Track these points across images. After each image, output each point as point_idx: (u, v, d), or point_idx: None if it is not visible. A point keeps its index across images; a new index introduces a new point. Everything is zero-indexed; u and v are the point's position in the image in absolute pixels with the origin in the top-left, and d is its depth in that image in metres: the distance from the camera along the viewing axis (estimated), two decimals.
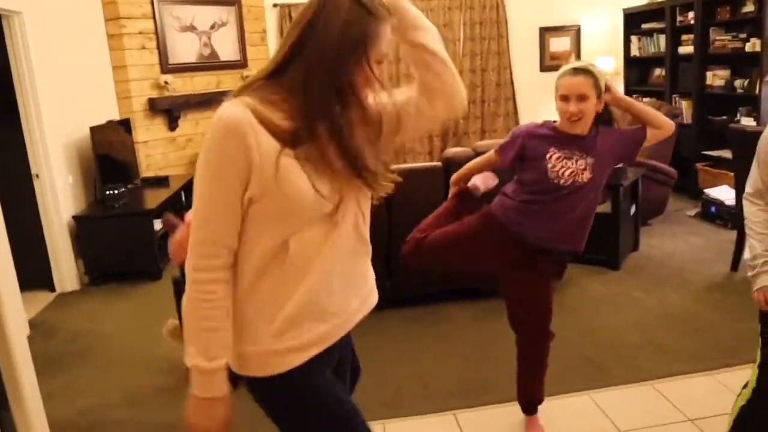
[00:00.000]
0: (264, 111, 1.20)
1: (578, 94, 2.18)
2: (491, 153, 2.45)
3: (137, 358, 3.47)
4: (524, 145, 2.30)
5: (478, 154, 3.61)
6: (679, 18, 6.15)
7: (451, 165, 3.61)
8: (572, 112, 2.18)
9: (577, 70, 2.21)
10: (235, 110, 1.18)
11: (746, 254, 2.06)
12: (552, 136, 2.28)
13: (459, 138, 7.48)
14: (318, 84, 1.20)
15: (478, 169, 2.55)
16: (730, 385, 2.83)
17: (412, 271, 3.75)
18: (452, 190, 2.62)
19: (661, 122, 2.27)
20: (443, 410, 2.81)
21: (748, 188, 1.99)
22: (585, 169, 2.22)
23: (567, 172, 2.22)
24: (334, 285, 1.34)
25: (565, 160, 2.23)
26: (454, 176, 2.61)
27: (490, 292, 3.85)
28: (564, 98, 2.22)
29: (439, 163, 3.66)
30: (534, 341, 2.52)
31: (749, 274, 1.96)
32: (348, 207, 1.33)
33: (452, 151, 3.66)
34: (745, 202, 2.00)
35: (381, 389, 2.99)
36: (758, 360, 1.95)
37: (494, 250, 2.40)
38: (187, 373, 1.27)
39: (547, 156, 2.24)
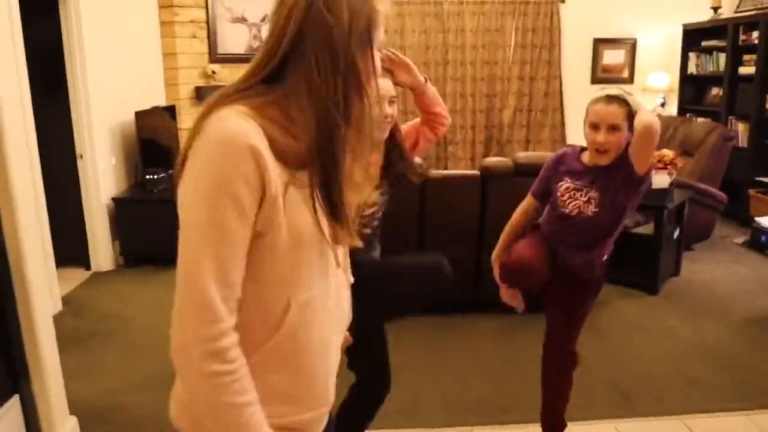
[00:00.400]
0: (265, 124, 0.96)
1: (609, 124, 2.06)
2: (525, 202, 2.40)
3: (161, 342, 3.48)
4: (548, 172, 2.30)
5: (516, 165, 3.54)
6: (742, 37, 5.91)
7: (489, 175, 3.54)
8: (600, 142, 2.07)
9: (611, 98, 2.09)
10: (242, 123, 0.93)
11: None
12: (571, 165, 2.22)
13: (502, 146, 7.35)
14: (329, 90, 0.97)
15: (514, 229, 2.40)
16: (766, 428, 2.69)
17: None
18: (496, 269, 2.44)
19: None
20: (461, 425, 2.74)
21: None
22: (589, 202, 2.16)
23: (572, 204, 2.19)
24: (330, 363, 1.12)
25: (573, 191, 2.19)
26: (494, 254, 2.45)
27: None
28: (594, 126, 2.10)
29: (476, 172, 3.58)
30: (552, 359, 2.49)
31: None
32: (341, 256, 1.12)
33: (491, 160, 3.59)
34: None
35: (399, 397, 2.92)
36: None
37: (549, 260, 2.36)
38: None
39: (558, 185, 2.23)
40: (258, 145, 0.92)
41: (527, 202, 2.38)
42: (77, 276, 4.52)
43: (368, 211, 2.05)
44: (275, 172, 0.95)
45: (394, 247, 3.58)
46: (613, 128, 2.06)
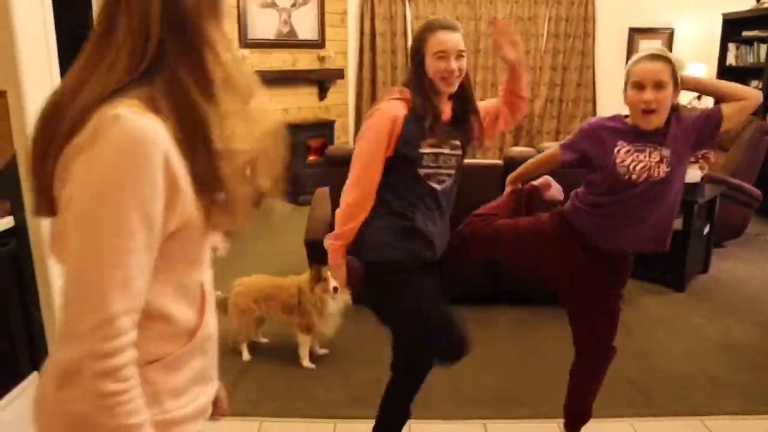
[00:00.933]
0: (161, 116, 0.90)
1: (655, 81, 1.93)
2: (554, 148, 2.27)
3: None
4: (591, 137, 2.12)
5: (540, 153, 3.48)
6: None
7: (513, 164, 3.48)
8: (647, 100, 1.93)
9: (654, 56, 1.98)
10: (143, 119, 0.86)
11: None
12: (621, 128, 2.07)
13: (532, 137, 7.26)
14: (198, 71, 0.93)
15: (536, 167, 2.40)
16: None
17: (461, 268, 3.67)
18: (508, 189, 2.51)
19: (742, 93, 1.99)
20: (472, 418, 2.73)
21: None
22: (660, 161, 1.98)
23: (639, 166, 1.99)
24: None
25: (636, 153, 2.00)
26: (511, 176, 2.49)
27: (538, 299, 3.73)
28: (638, 86, 1.97)
29: (499, 161, 3.53)
30: (594, 357, 2.35)
31: None
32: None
33: (515, 150, 3.54)
34: None
35: None
36: None
37: (563, 254, 2.21)
38: None
39: (616, 150, 2.03)
40: (166, 144, 0.87)
41: (554, 154, 2.24)
42: None
43: (443, 171, 2.06)
44: (179, 164, 0.89)
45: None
46: (659, 85, 1.93)
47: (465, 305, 3.74)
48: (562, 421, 2.56)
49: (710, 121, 2.02)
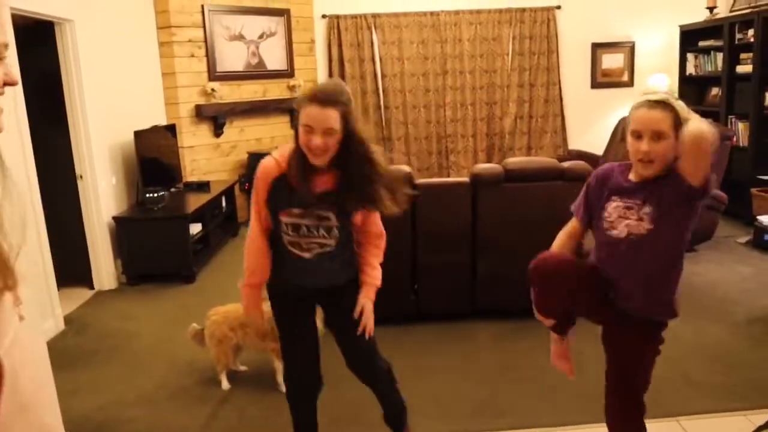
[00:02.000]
0: None
1: (654, 131, 1.82)
2: (568, 226, 2.15)
3: (161, 359, 3.52)
4: (590, 193, 2.06)
5: (507, 171, 3.54)
6: (738, 36, 5.90)
7: (480, 181, 3.55)
8: (643, 151, 1.83)
9: (654, 103, 1.85)
10: None
11: None
12: (618, 183, 1.98)
13: (504, 153, 7.35)
14: None
15: (565, 249, 2.16)
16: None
17: (437, 286, 3.71)
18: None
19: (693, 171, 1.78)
20: (455, 430, 2.74)
21: None
22: (641, 219, 1.89)
23: (621, 225, 1.92)
24: None
25: (624, 210, 1.93)
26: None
27: (517, 312, 3.76)
28: (636, 134, 1.87)
29: (466, 179, 3.59)
30: (618, 408, 2.27)
31: None
32: None
33: (480, 167, 3.59)
34: None
35: None
36: None
37: (601, 298, 2.09)
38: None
39: (607, 204, 1.97)
40: None
41: (572, 226, 2.15)
42: (81, 295, 4.57)
43: (311, 241, 2.11)
44: None
45: (387, 254, 3.61)
46: (658, 136, 1.82)
47: (441, 322, 3.80)
48: (540, 429, 2.58)
49: (680, 185, 1.82)
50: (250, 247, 2.21)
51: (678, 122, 1.83)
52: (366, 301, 2.24)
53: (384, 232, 2.28)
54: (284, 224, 2.08)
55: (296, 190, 2.03)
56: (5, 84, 0.92)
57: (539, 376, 3.17)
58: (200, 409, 2.98)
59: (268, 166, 2.09)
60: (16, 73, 0.92)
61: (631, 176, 1.96)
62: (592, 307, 2.16)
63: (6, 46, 0.90)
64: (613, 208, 1.96)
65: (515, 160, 3.61)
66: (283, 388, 3.13)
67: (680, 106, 1.87)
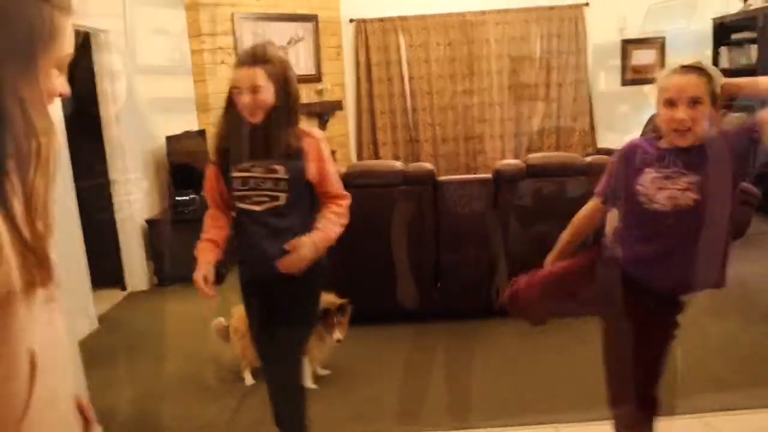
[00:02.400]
0: None
1: (690, 97, 1.76)
2: (589, 204, 2.09)
3: (188, 355, 3.61)
4: (615, 171, 1.96)
5: (529, 166, 3.54)
6: None
7: (501, 177, 3.55)
8: (680, 119, 1.76)
9: (688, 68, 1.80)
10: None
11: None
12: (650, 152, 1.88)
13: (532, 153, 7.29)
14: None
15: (578, 235, 2.14)
16: None
17: (459, 282, 3.71)
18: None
19: None
20: (473, 427, 2.74)
21: None
22: (687, 189, 1.79)
23: (662, 196, 1.82)
24: None
25: (663, 181, 1.82)
26: (550, 258, 2.20)
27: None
28: (670, 103, 1.79)
29: (488, 175, 3.59)
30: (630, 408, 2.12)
31: None
32: None
33: (503, 163, 3.60)
34: None
35: (413, 401, 2.96)
36: None
37: (600, 292, 2.06)
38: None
39: (640, 178, 1.86)
40: None
41: (592, 206, 2.07)
42: (113, 296, 4.71)
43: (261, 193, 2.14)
44: None
45: (412, 250, 3.64)
46: (694, 101, 1.76)
47: (463, 319, 3.80)
48: (561, 425, 2.57)
49: (745, 136, 1.79)
50: (206, 213, 2.36)
51: (713, 88, 1.78)
52: (307, 239, 2.10)
53: (347, 194, 2.27)
54: (234, 180, 2.15)
55: (238, 148, 2.12)
56: (60, 95, 0.92)
57: (562, 373, 3.15)
58: (226, 402, 3.05)
59: (213, 134, 2.26)
60: (67, 84, 0.93)
61: (663, 145, 1.87)
62: (588, 306, 2.16)
63: (69, 56, 0.91)
64: (650, 180, 1.84)
65: (538, 156, 3.61)
66: (308, 383, 3.18)
67: (714, 70, 1.82)
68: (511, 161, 3.60)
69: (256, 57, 2.04)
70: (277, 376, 2.33)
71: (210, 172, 2.26)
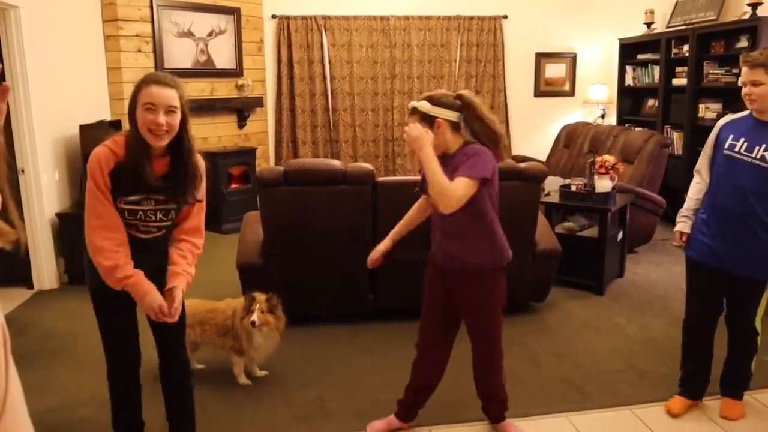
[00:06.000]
0: None
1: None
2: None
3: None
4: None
5: None
6: (674, 50, 6.22)
7: None
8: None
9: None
10: None
11: None
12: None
13: None
14: None
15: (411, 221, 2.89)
16: (710, 414, 2.80)
17: (394, 284, 3.73)
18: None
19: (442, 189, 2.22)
20: (420, 425, 2.76)
21: (696, 167, 2.80)
22: None
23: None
24: None
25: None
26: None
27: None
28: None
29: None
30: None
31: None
32: None
33: None
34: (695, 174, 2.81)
35: (356, 400, 2.94)
36: None
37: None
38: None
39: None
40: None
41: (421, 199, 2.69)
42: (19, 295, 4.36)
43: (149, 224, 2.13)
44: None
45: (348, 251, 3.61)
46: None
47: (399, 320, 3.82)
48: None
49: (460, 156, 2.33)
50: (108, 239, 2.04)
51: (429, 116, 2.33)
52: (178, 290, 2.17)
53: (204, 231, 2.31)
54: (123, 210, 2.07)
55: (134, 177, 2.03)
56: None
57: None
58: (158, 408, 2.89)
59: (102, 155, 2.03)
60: None
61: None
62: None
63: None
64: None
65: None
66: (242, 379, 3.10)
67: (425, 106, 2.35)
68: None
69: (169, 80, 2.04)
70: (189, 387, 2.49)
71: (103, 187, 2.03)
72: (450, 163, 2.28)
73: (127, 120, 2.06)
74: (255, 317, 2.94)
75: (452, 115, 2.30)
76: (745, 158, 2.51)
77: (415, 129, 2.26)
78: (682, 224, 2.81)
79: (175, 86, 2.03)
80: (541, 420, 2.80)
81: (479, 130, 2.29)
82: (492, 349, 2.56)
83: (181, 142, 2.07)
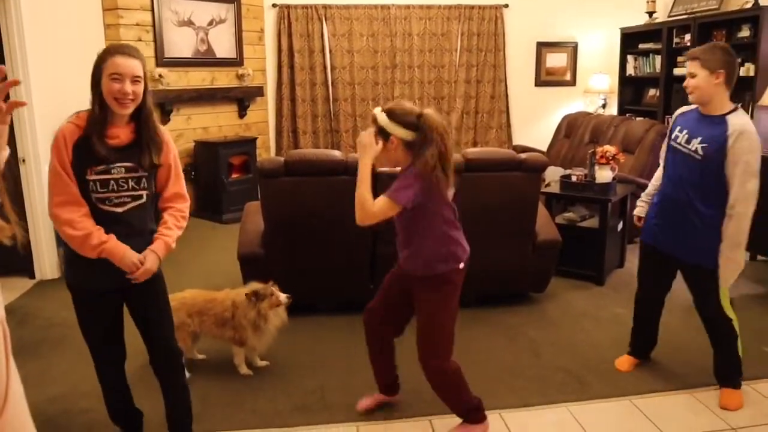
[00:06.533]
0: None
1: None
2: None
3: None
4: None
5: (467, 160, 3.61)
6: (675, 39, 6.20)
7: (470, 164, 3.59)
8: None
9: None
10: None
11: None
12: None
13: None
14: None
15: None
16: (709, 404, 2.82)
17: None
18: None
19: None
20: (420, 415, 2.78)
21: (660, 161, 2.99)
22: None
23: None
24: None
25: None
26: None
27: (472, 301, 3.86)
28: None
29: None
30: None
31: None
32: None
33: (472, 150, 3.64)
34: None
35: (356, 391, 2.96)
36: None
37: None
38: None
39: None
40: None
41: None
42: (21, 285, 4.37)
43: (122, 194, 2.16)
44: None
45: (349, 242, 3.61)
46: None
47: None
48: (503, 411, 2.66)
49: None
50: (74, 212, 2.08)
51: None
52: (151, 253, 2.21)
53: (188, 196, 2.38)
54: (91, 182, 2.10)
55: (100, 147, 2.06)
56: None
57: (496, 362, 3.25)
58: (160, 398, 2.91)
59: (67, 131, 2.09)
60: None
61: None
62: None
63: None
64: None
65: (475, 150, 3.68)
66: (243, 370, 3.12)
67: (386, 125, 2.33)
68: (478, 149, 3.65)
69: (133, 50, 2.10)
70: (179, 367, 2.48)
71: (67, 163, 2.06)
72: (396, 179, 2.34)
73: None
74: (282, 297, 3.00)
75: (407, 135, 2.26)
76: (683, 149, 2.69)
77: (366, 137, 2.31)
78: (640, 209, 3.09)
79: (139, 57, 2.10)
80: (540, 410, 2.81)
81: (428, 154, 2.22)
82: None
83: (142, 110, 2.13)
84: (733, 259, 2.63)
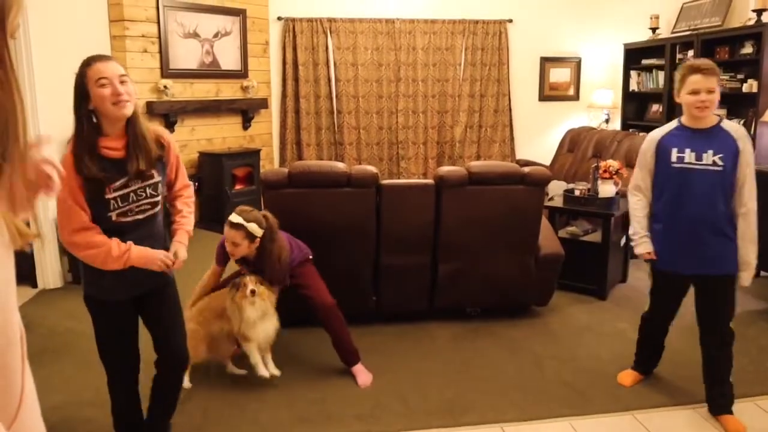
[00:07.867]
0: None
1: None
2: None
3: None
4: None
5: (471, 173, 3.62)
6: (678, 56, 6.23)
7: (443, 183, 3.62)
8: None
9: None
10: None
11: (630, 231, 2.95)
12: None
13: (454, 161, 7.50)
14: None
15: None
16: (712, 420, 2.80)
17: (398, 287, 3.75)
18: None
19: None
20: (422, 428, 2.77)
21: (630, 185, 2.92)
22: None
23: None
24: None
25: None
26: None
27: (475, 313, 3.86)
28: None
29: (431, 181, 3.65)
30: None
31: (631, 243, 2.94)
32: None
33: (445, 169, 3.66)
34: (629, 195, 2.93)
35: (358, 401, 2.95)
36: None
37: None
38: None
39: None
40: None
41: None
42: (23, 294, 4.38)
43: (142, 203, 2.19)
44: None
45: (352, 254, 3.62)
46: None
47: (402, 322, 3.84)
48: (505, 424, 2.65)
49: None
50: (88, 234, 2.09)
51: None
52: (179, 245, 2.32)
53: (191, 183, 2.47)
54: (112, 201, 2.11)
55: (91, 164, 2.05)
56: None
57: (499, 375, 3.25)
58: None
59: (69, 161, 2.05)
60: None
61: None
62: None
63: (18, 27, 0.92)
64: None
65: (478, 164, 3.69)
66: (262, 370, 3.03)
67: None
68: (453, 167, 3.66)
69: (108, 55, 2.15)
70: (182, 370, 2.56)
71: (78, 192, 2.06)
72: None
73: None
74: (251, 285, 2.95)
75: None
76: (697, 167, 2.66)
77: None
78: (646, 245, 2.87)
79: (116, 60, 2.14)
80: (542, 424, 2.80)
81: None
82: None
83: (132, 116, 2.15)
84: (755, 254, 2.68)
